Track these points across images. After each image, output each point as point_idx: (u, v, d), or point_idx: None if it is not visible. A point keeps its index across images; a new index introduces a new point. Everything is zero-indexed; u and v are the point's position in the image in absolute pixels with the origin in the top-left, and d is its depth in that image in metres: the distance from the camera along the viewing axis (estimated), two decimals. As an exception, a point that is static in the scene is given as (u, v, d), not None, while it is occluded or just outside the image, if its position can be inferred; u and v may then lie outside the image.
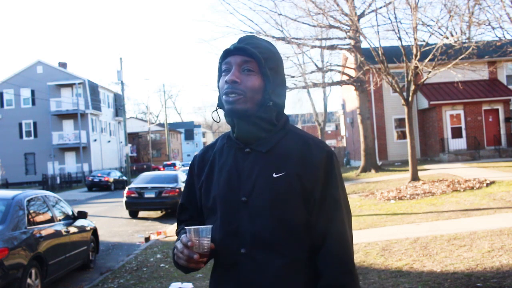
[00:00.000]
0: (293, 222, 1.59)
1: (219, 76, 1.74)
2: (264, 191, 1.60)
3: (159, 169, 41.79)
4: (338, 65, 25.87)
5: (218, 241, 1.64)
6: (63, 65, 44.96)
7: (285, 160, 1.63)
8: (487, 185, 13.30)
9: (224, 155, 1.74)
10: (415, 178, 16.14)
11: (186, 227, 1.58)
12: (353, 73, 23.33)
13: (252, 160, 1.66)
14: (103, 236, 11.21)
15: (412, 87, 15.92)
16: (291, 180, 1.60)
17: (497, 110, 26.51)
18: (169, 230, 11.99)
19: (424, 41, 15.93)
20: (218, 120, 1.80)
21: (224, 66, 1.69)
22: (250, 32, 16.42)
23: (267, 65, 1.66)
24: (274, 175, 1.61)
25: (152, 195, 15.37)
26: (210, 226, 1.58)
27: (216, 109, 1.78)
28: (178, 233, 1.87)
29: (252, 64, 1.65)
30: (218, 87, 1.74)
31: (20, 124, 42.25)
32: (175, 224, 11.45)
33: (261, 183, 1.61)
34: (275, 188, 1.60)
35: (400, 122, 27.88)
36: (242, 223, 1.61)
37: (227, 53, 1.69)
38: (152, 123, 67.19)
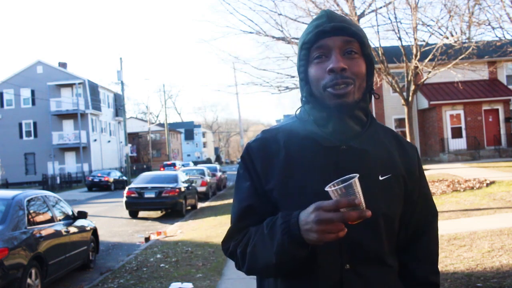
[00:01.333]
0: (395, 229, 1.44)
1: (305, 65, 1.42)
2: (370, 196, 1.30)
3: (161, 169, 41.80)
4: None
5: (316, 259, 1.35)
6: (63, 65, 44.97)
7: (388, 159, 1.44)
8: (487, 185, 13.29)
9: (307, 153, 1.41)
10: (415, 178, 16.12)
11: (327, 189, 1.19)
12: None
13: (352, 160, 1.38)
14: (103, 236, 11.21)
15: (412, 87, 15.93)
16: (398, 182, 1.43)
17: (497, 110, 26.51)
18: (169, 230, 11.99)
19: (424, 41, 15.94)
20: (306, 119, 1.45)
21: (318, 51, 1.38)
22: (250, 32, 16.43)
23: (367, 45, 1.42)
24: (380, 178, 1.40)
25: (152, 195, 15.37)
26: (357, 175, 1.19)
27: (303, 106, 1.47)
28: (236, 245, 1.43)
29: (354, 44, 1.38)
30: (304, 78, 1.43)
31: (20, 124, 42.25)
32: (175, 224, 11.42)
33: (366, 187, 1.28)
34: (382, 192, 1.38)
35: (400, 122, 27.88)
36: (345, 235, 1.23)
37: (321, 35, 1.38)
38: (152, 123, 67.20)
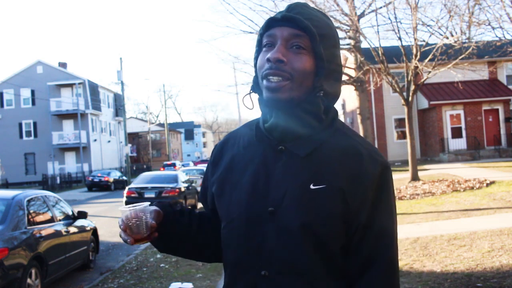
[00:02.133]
0: (329, 247, 1.27)
1: (258, 51, 1.36)
2: (297, 204, 1.26)
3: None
4: (338, 65, 25.83)
5: (234, 260, 1.34)
6: (63, 65, 44.97)
7: (327, 168, 1.28)
8: (487, 185, 13.29)
9: (250, 149, 1.38)
10: (415, 178, 16.14)
11: (120, 208, 1.37)
12: (353, 73, 23.29)
13: (285, 163, 1.30)
14: (103, 236, 11.20)
15: (412, 87, 15.92)
16: (333, 195, 1.26)
17: (497, 110, 26.52)
18: (169, 230, 11.98)
19: (424, 41, 15.93)
20: (251, 107, 1.39)
21: (266, 39, 1.31)
22: (250, 32, 16.43)
23: (322, 44, 1.29)
24: (312, 187, 1.26)
25: (152, 195, 15.37)
26: (144, 203, 1.35)
27: (250, 93, 1.39)
28: None
29: (304, 40, 1.28)
30: (255, 65, 1.36)
31: (20, 124, 42.24)
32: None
33: (294, 193, 1.26)
34: (311, 202, 1.25)
35: (400, 122, 27.88)
36: (266, 239, 1.27)
37: (271, 23, 1.31)
38: (152, 123, 67.22)
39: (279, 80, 1.26)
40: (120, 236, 1.34)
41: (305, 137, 1.31)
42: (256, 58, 1.37)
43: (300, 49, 1.28)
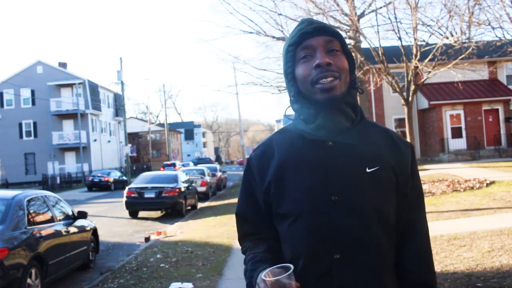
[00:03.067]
0: (389, 220, 1.47)
1: (292, 66, 1.53)
2: (358, 188, 1.44)
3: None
4: (338, 65, 25.84)
5: (305, 250, 1.45)
6: (63, 65, 44.97)
7: (376, 153, 1.49)
8: (487, 185, 13.29)
9: (297, 151, 1.52)
10: (415, 178, 16.10)
11: (262, 277, 1.33)
12: (353, 73, 23.30)
13: (338, 154, 1.47)
14: (103, 236, 11.20)
15: (412, 87, 15.92)
16: (387, 174, 1.47)
17: (497, 110, 26.52)
18: (169, 230, 11.99)
19: (424, 41, 15.93)
20: (295, 118, 1.60)
21: (303, 51, 1.49)
22: (250, 32, 16.42)
23: (347, 44, 1.56)
24: (368, 170, 1.45)
25: (152, 195, 15.37)
26: (291, 267, 1.33)
27: (291, 105, 1.58)
28: (244, 252, 1.62)
29: (335, 43, 1.50)
30: (292, 78, 1.53)
31: (20, 124, 42.25)
32: (175, 224, 11.42)
33: (353, 180, 1.44)
34: (370, 184, 1.44)
35: (400, 122, 27.88)
36: (335, 226, 1.42)
37: (304, 36, 1.50)
38: (152, 123, 67.21)
39: (332, 80, 1.45)
40: None
41: (349, 129, 1.50)
42: (291, 72, 1.53)
43: (336, 52, 1.49)
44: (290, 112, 1.64)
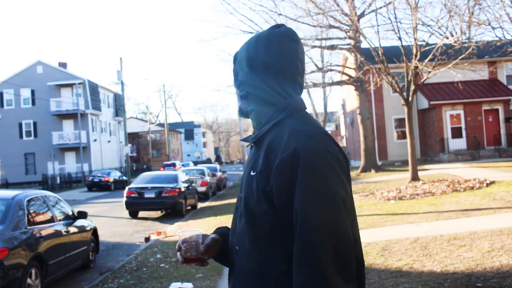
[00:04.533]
0: (261, 226, 1.43)
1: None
2: (245, 189, 1.52)
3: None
4: (338, 65, 25.86)
5: (229, 239, 1.66)
6: (63, 65, 44.97)
7: (260, 157, 1.48)
8: (487, 185, 13.29)
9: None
10: (415, 178, 16.14)
11: (178, 232, 1.65)
12: (353, 73, 23.33)
13: (250, 155, 1.63)
14: (103, 236, 11.21)
15: (412, 87, 15.92)
16: (258, 179, 1.44)
17: (497, 110, 26.51)
18: (169, 230, 11.99)
19: (424, 41, 15.93)
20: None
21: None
22: (250, 32, 16.43)
23: (237, 64, 1.66)
24: (252, 173, 1.49)
25: (152, 195, 15.37)
26: (198, 231, 1.61)
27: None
28: None
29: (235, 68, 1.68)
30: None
31: (20, 124, 42.25)
32: (175, 224, 11.41)
33: (244, 181, 1.55)
34: (249, 187, 1.49)
35: (400, 122, 27.88)
36: (236, 220, 1.60)
37: None
38: (152, 123, 67.20)
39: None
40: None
41: (257, 134, 1.55)
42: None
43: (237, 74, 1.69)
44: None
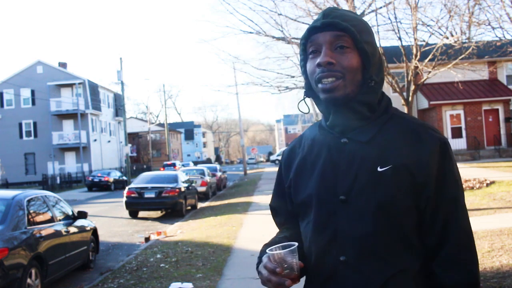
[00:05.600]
0: (403, 225, 1.34)
1: (304, 59, 1.48)
2: (367, 188, 1.35)
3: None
4: (338, 65, 25.84)
5: (313, 248, 1.43)
6: (63, 65, 44.98)
7: (390, 150, 1.37)
8: (487, 185, 13.29)
9: (316, 147, 1.49)
10: (415, 178, 16.11)
11: (268, 251, 1.37)
12: (353, 73, 23.28)
13: (350, 152, 1.40)
14: (103, 236, 11.20)
15: (412, 87, 15.90)
16: (400, 174, 1.34)
17: (497, 110, 26.51)
18: (169, 230, 11.98)
19: (424, 41, 15.92)
20: (307, 111, 1.57)
21: (312, 46, 1.43)
22: (250, 32, 16.43)
23: (362, 39, 1.40)
24: (379, 169, 1.35)
25: (152, 195, 15.37)
26: (296, 244, 1.35)
27: (304, 98, 1.53)
28: (268, 244, 1.55)
29: (346, 39, 1.39)
30: (304, 72, 1.48)
31: (20, 124, 42.26)
32: (176, 224, 11.41)
33: (363, 179, 1.36)
34: (380, 184, 1.34)
35: (400, 122, 27.87)
36: (341, 226, 1.37)
37: (312, 31, 1.43)
38: (152, 123, 67.20)
39: (332, 80, 1.38)
40: (269, 280, 1.34)
41: (365, 126, 1.42)
42: (303, 66, 1.49)
43: (344, 49, 1.39)
44: (300, 106, 1.60)
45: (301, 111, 1.56)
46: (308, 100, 1.55)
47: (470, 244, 1.36)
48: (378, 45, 1.48)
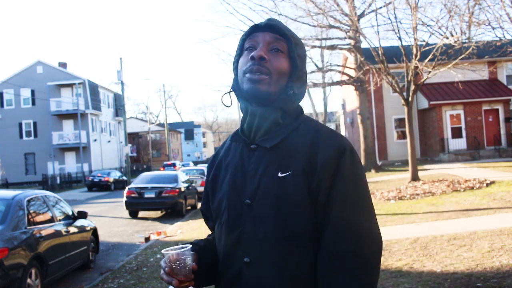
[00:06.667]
0: (299, 230, 1.38)
1: (239, 54, 1.54)
2: (268, 193, 1.40)
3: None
4: (338, 65, 25.88)
5: (222, 249, 1.49)
6: (63, 65, 44.96)
7: (292, 156, 1.42)
8: (487, 185, 13.29)
9: (231, 153, 1.56)
10: (415, 178, 16.14)
11: (163, 251, 1.43)
12: (353, 73, 23.33)
13: (257, 158, 1.46)
14: (103, 236, 11.21)
15: (412, 87, 15.91)
16: (298, 180, 1.38)
17: (497, 110, 26.51)
18: (169, 230, 11.99)
19: (424, 41, 15.92)
20: (230, 105, 1.59)
21: (250, 42, 1.50)
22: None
23: (296, 50, 1.50)
24: (280, 175, 1.40)
25: (152, 195, 15.37)
26: (188, 246, 1.42)
27: (230, 92, 1.56)
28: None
29: (282, 44, 1.48)
30: (236, 67, 1.54)
31: (20, 124, 42.24)
32: (175, 224, 11.43)
33: (265, 184, 1.41)
34: (280, 190, 1.39)
35: (400, 122, 27.88)
36: (246, 229, 1.42)
37: (254, 29, 1.51)
38: (152, 123, 67.18)
39: (260, 74, 1.44)
40: (162, 278, 1.43)
41: (272, 132, 1.47)
42: (236, 61, 1.55)
43: (278, 52, 1.48)
44: (224, 99, 1.63)
45: (224, 105, 1.59)
46: (233, 95, 1.59)
47: (349, 236, 1.33)
48: (306, 70, 1.57)
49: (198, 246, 1.55)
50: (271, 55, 1.46)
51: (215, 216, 1.57)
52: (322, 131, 1.45)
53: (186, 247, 1.42)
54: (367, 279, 1.33)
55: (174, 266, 1.39)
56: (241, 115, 1.60)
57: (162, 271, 1.44)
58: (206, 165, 26.51)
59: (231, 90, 1.55)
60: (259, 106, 1.46)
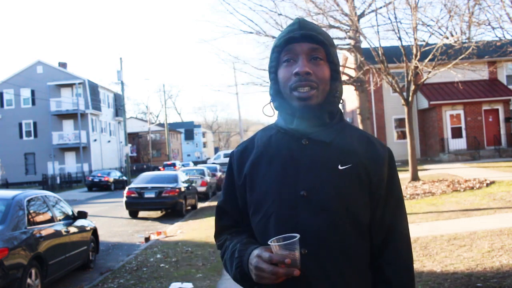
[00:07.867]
0: (360, 219, 1.46)
1: (276, 65, 1.56)
2: (328, 184, 1.45)
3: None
4: (338, 65, 25.80)
5: None
6: (63, 65, 44.97)
7: (349, 151, 1.50)
8: (487, 185, 13.29)
9: (273, 146, 1.56)
10: (415, 178, 16.14)
11: (270, 243, 1.35)
12: (353, 73, 23.29)
13: (312, 151, 1.49)
14: (103, 236, 11.21)
15: (412, 87, 15.91)
16: (359, 172, 1.47)
17: (497, 110, 26.51)
18: (169, 230, 11.99)
19: (424, 41, 15.92)
20: (272, 115, 1.62)
21: (287, 55, 1.52)
22: (250, 32, 16.42)
23: (333, 53, 1.55)
24: (340, 167, 1.47)
25: (152, 195, 15.37)
26: (298, 236, 1.34)
27: (270, 102, 1.60)
28: (221, 245, 1.66)
29: (320, 52, 1.52)
30: (274, 78, 1.57)
31: (20, 124, 42.25)
32: (175, 224, 11.39)
33: (324, 176, 1.45)
34: (341, 181, 1.45)
35: (400, 122, 27.88)
36: (302, 220, 1.43)
37: (289, 40, 1.52)
38: (152, 123, 67.17)
39: (308, 90, 1.48)
40: (276, 274, 1.33)
41: (324, 129, 1.53)
42: (274, 72, 1.56)
43: (318, 60, 1.51)
44: (266, 109, 1.66)
45: (266, 115, 1.63)
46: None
47: (409, 245, 1.55)
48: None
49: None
50: (312, 65, 1.50)
51: (253, 210, 1.54)
52: (370, 135, 1.60)
53: (295, 236, 1.34)
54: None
55: (292, 256, 1.32)
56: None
57: (267, 266, 1.34)
58: (207, 165, 26.27)
59: (272, 100, 1.59)
60: (309, 112, 1.51)
